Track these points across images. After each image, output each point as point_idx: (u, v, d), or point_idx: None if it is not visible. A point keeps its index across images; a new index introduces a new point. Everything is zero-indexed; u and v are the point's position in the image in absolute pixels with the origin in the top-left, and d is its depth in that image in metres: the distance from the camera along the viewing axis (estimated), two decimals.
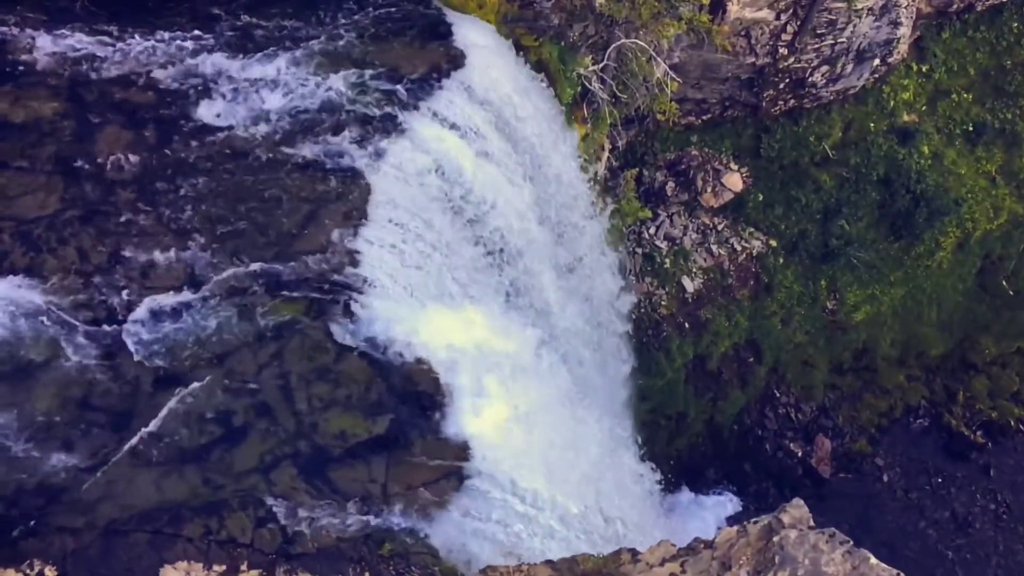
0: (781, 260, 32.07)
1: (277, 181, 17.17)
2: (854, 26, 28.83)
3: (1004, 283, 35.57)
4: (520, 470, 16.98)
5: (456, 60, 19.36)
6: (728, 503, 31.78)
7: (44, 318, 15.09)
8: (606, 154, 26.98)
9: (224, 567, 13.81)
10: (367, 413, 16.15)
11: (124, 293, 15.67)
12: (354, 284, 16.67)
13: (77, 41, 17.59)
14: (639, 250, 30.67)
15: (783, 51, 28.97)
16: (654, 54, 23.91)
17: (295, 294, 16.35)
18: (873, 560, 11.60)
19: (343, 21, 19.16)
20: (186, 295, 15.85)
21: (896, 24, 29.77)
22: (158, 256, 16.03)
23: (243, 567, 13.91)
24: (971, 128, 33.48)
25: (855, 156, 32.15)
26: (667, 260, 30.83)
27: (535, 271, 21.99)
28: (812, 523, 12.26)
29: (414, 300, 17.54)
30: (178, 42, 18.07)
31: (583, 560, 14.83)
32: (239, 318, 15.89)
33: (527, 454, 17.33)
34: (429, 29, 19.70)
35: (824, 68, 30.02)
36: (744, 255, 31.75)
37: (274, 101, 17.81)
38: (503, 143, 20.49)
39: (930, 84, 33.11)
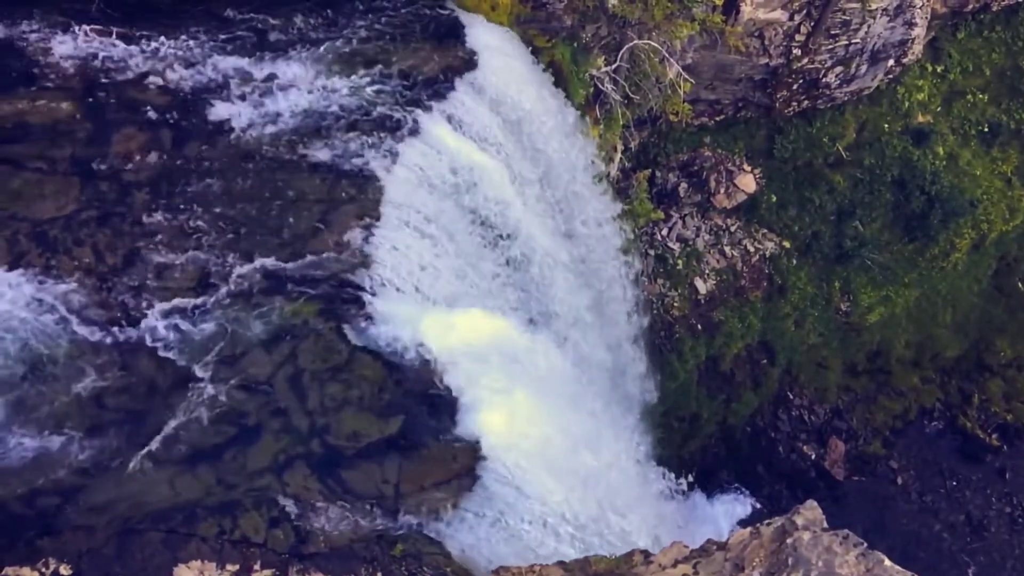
0: (794, 261, 31.97)
1: (291, 182, 17.24)
2: (868, 27, 28.71)
3: (1020, 284, 35.37)
4: (532, 471, 16.98)
5: (469, 61, 19.39)
6: (741, 505, 31.69)
7: (60, 318, 15.20)
8: (618, 155, 26.96)
9: (237, 566, 13.86)
10: (380, 413, 16.18)
11: (139, 294, 15.76)
12: (367, 285, 16.72)
13: (93, 43, 17.71)
14: (651, 251, 30.63)
15: (797, 52, 28.88)
16: (667, 55, 23.88)
17: (309, 295, 16.41)
18: (887, 562, 11.54)
19: (357, 22, 19.21)
20: (200, 296, 15.93)
21: (911, 24, 29.62)
22: (173, 257, 16.11)
23: (256, 566, 13.95)
24: (986, 129, 33.30)
25: (869, 157, 32.03)
26: (679, 261, 30.77)
27: (547, 272, 21.98)
28: (826, 525, 12.21)
29: (427, 301, 17.58)
30: (193, 44, 18.17)
31: (595, 561, 14.83)
32: (253, 319, 15.96)
33: (539, 455, 17.32)
34: (442, 30, 19.74)
35: (838, 69, 29.91)
36: (757, 256, 31.66)
37: (288, 102, 17.88)
38: (515, 144, 20.51)
39: (945, 84, 32.95)
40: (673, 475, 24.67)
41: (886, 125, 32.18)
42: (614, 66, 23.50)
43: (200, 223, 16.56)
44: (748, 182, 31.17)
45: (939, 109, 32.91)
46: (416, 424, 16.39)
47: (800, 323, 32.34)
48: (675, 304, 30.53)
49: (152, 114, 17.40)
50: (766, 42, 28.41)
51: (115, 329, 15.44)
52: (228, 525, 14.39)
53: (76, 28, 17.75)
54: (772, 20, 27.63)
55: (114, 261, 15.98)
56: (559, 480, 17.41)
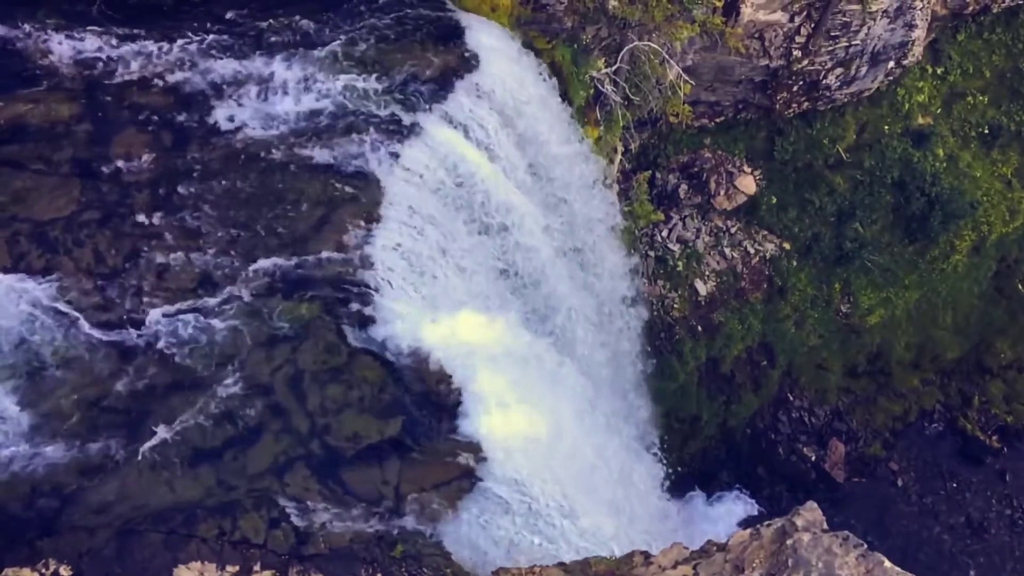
0: (794, 263, 31.96)
1: (291, 184, 17.25)
2: (868, 28, 28.73)
3: (1020, 286, 35.35)
4: (532, 473, 16.98)
5: (469, 63, 19.40)
6: (741, 506, 31.67)
7: (60, 319, 15.20)
8: (619, 157, 26.97)
9: (237, 567, 13.87)
10: (380, 415, 16.19)
11: (140, 295, 15.77)
12: (368, 286, 16.73)
13: (94, 44, 17.72)
14: (652, 253, 30.63)
15: (797, 53, 28.89)
16: (667, 56, 23.88)
17: (309, 296, 16.41)
18: (887, 564, 11.54)
19: (357, 24, 19.22)
20: (201, 297, 15.94)
21: (911, 26, 29.64)
22: (174, 258, 16.13)
23: (256, 567, 13.96)
24: (987, 130, 33.30)
25: (869, 158, 32.02)
26: (680, 263, 30.77)
27: (548, 275, 21.99)
28: (826, 526, 12.21)
29: (427, 303, 17.58)
30: (194, 45, 18.18)
31: (595, 563, 14.84)
32: (253, 320, 15.96)
33: (539, 457, 17.32)
34: (443, 32, 19.74)
35: (838, 70, 29.92)
36: (757, 258, 31.66)
37: (288, 104, 17.89)
38: (514, 146, 20.52)
39: (945, 86, 32.94)
40: (674, 476, 24.68)
41: (886, 127, 32.18)
42: (614, 68, 23.51)
43: (201, 224, 16.58)
44: (748, 184, 31.18)
45: (939, 111, 32.91)
46: (417, 426, 16.39)
47: (800, 325, 32.33)
48: (675, 305, 30.53)
49: (152, 115, 17.41)
50: (766, 43, 28.42)
51: (115, 330, 15.45)
52: (228, 526, 14.40)
53: (77, 29, 17.77)
54: (772, 22, 27.64)
55: (114, 262, 15.99)
56: (559, 481, 17.41)
